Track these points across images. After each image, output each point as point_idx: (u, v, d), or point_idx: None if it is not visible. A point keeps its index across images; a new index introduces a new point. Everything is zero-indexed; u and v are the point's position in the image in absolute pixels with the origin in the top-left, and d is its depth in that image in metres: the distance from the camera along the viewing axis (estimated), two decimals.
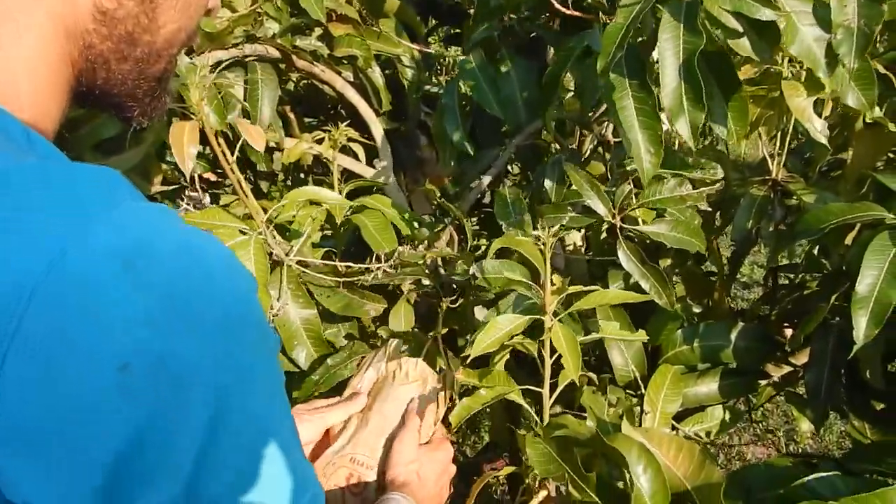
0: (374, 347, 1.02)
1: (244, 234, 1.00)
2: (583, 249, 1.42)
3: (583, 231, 1.49)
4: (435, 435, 0.84)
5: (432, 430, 0.84)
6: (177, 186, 1.20)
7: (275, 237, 1.04)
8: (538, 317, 0.85)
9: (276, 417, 0.44)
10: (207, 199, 1.10)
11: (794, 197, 1.19)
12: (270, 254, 1.05)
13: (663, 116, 0.84)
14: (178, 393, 0.37)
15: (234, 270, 0.42)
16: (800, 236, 0.94)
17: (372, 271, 1.00)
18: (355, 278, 1.03)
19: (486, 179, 1.13)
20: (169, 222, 0.41)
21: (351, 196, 1.26)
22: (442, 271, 1.04)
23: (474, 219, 1.53)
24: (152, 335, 0.36)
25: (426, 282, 1.03)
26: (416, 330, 1.05)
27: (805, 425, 1.56)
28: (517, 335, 0.84)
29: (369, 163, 1.48)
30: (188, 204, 1.09)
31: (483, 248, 1.10)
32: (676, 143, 1.51)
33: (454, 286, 1.03)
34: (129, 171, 1.06)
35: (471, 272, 0.91)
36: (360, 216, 1.19)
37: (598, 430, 0.77)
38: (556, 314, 0.85)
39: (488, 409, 1.72)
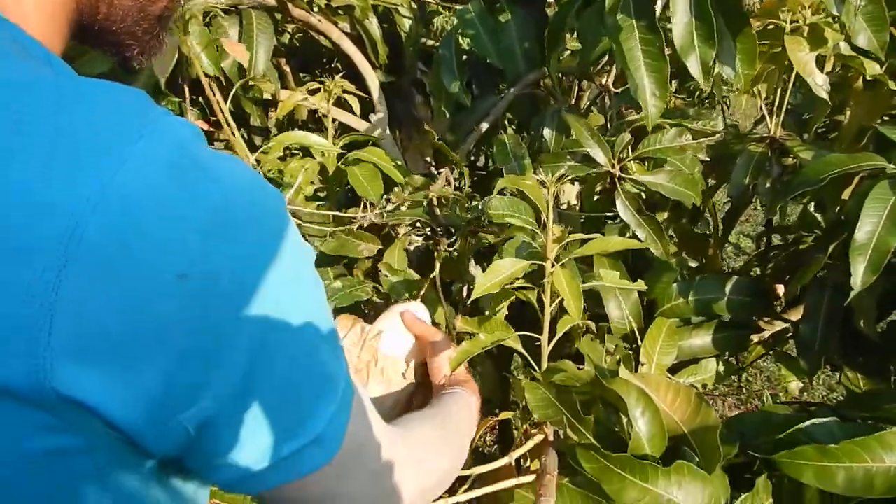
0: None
1: None
2: (577, 208, 1.43)
3: (577, 189, 1.49)
4: None
5: None
6: None
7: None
8: (539, 262, 0.85)
9: (319, 314, 0.45)
10: None
11: (791, 156, 1.19)
12: None
13: None
14: (232, 297, 0.39)
15: (266, 187, 0.43)
16: (799, 187, 0.94)
17: (365, 216, 1.00)
18: (348, 225, 1.03)
19: (484, 127, 1.13)
20: (201, 137, 0.41)
21: (345, 149, 1.25)
22: (438, 213, 1.04)
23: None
24: (205, 246, 0.37)
25: (421, 225, 1.02)
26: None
27: (793, 384, 1.58)
28: (518, 279, 0.84)
29: (364, 117, 1.46)
30: None
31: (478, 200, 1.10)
32: (673, 101, 1.51)
33: (451, 230, 1.03)
34: None
35: (479, 207, 0.91)
36: (351, 167, 1.19)
37: (598, 375, 0.77)
38: (557, 260, 0.85)
39: (479, 368, 1.73)
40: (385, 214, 1.00)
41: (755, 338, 1.22)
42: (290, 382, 0.43)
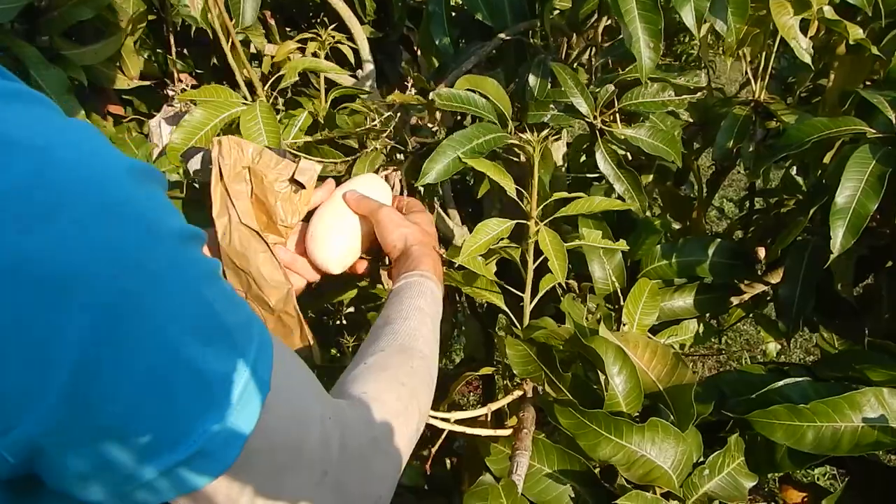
0: None
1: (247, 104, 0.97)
2: (563, 169, 1.43)
3: (564, 150, 1.49)
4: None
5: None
6: (156, 81, 1.17)
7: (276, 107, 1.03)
8: (523, 221, 0.85)
9: (191, 308, 0.40)
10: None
11: (775, 120, 1.20)
12: None
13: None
14: (44, 294, 0.34)
15: (106, 159, 0.38)
16: (782, 150, 0.94)
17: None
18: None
19: (468, 66, 1.12)
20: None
21: (336, 103, 1.25)
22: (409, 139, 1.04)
23: None
24: (7, 230, 0.33)
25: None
26: None
27: (772, 346, 1.61)
28: (504, 239, 0.84)
29: (353, 72, 1.45)
30: (183, 88, 1.06)
31: None
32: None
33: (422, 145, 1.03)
34: (105, 62, 1.03)
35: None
36: (341, 114, 1.19)
37: (577, 332, 0.78)
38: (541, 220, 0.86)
39: (464, 328, 1.74)
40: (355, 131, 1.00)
41: (735, 300, 1.24)
42: (140, 393, 0.37)
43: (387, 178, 0.98)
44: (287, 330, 0.81)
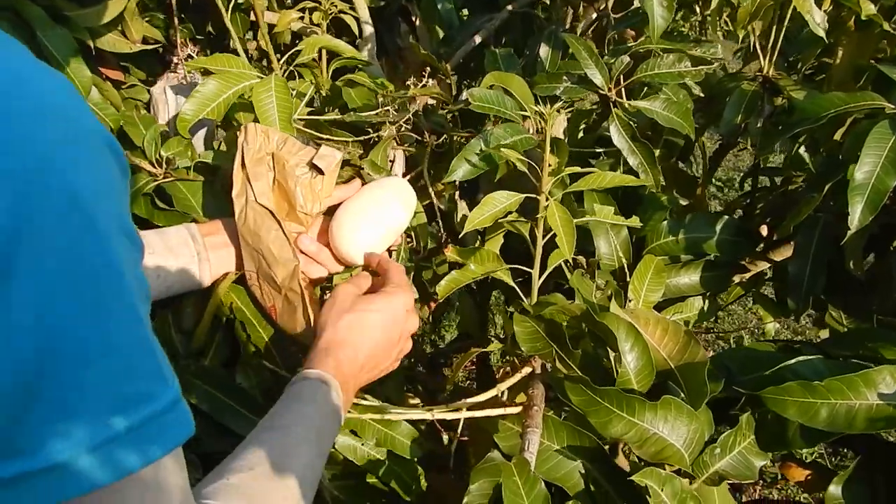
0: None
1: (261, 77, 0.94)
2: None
3: (565, 124, 1.47)
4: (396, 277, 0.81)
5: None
6: (158, 45, 1.13)
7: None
8: (534, 195, 0.83)
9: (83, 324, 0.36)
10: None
11: (782, 96, 1.18)
12: None
13: None
14: None
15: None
16: (795, 126, 0.93)
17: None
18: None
19: (476, 40, 1.10)
20: None
21: (336, 74, 1.22)
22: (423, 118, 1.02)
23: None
24: None
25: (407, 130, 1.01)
26: None
27: (770, 326, 1.61)
28: (512, 213, 0.82)
29: (354, 41, 1.42)
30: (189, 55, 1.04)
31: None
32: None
33: (437, 135, 1.01)
34: (107, 26, 0.99)
35: (462, 97, 0.89)
36: (346, 88, 1.16)
37: (589, 308, 0.77)
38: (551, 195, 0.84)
39: (457, 303, 1.73)
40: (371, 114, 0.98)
41: (737, 278, 1.23)
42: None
43: (392, 155, 0.97)
44: (292, 307, 0.80)
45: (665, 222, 1.11)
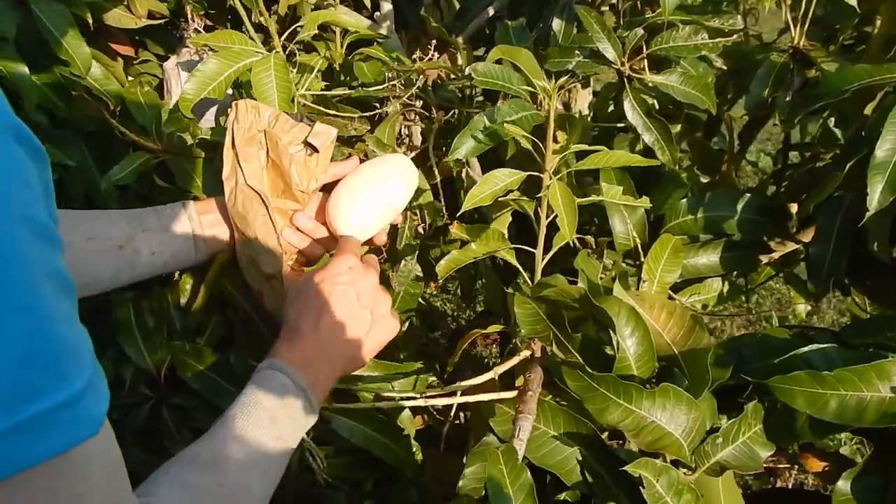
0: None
1: (261, 54, 0.93)
2: (589, 119, 1.37)
3: (590, 98, 1.43)
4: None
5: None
6: (163, 20, 1.12)
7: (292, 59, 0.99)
8: (538, 174, 0.81)
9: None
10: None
11: (815, 68, 1.12)
12: None
13: None
14: None
15: None
16: (819, 99, 0.88)
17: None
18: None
19: (490, 12, 1.07)
20: None
21: (351, 48, 1.20)
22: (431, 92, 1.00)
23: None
24: None
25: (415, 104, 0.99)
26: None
27: (801, 307, 1.55)
28: (513, 191, 0.80)
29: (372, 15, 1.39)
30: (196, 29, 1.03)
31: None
32: None
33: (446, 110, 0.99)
34: (111, 1, 0.99)
35: (465, 72, 0.87)
36: (359, 63, 1.15)
37: (588, 291, 0.74)
38: (556, 173, 0.81)
39: (483, 280, 1.71)
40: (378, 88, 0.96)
41: (764, 258, 1.18)
42: None
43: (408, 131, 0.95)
44: (276, 295, 0.80)
45: (684, 200, 1.07)
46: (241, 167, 0.78)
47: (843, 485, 0.77)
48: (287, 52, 0.99)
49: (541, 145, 0.79)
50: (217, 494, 0.58)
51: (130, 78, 1.20)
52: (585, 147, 0.80)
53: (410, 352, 1.08)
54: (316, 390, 0.68)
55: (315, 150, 0.80)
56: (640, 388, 0.70)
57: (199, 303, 0.80)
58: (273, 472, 0.64)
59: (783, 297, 2.79)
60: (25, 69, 0.82)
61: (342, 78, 1.19)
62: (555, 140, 0.82)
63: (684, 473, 0.73)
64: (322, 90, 1.17)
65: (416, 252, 0.96)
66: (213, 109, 1.08)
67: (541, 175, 0.80)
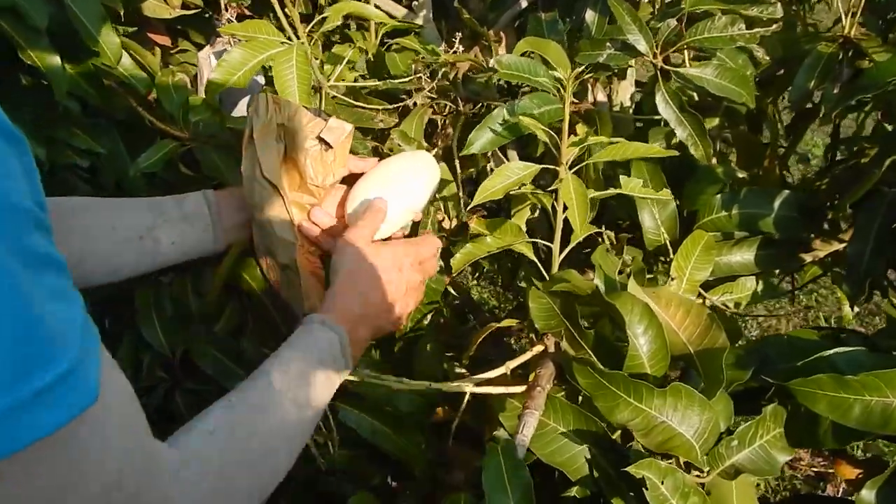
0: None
1: (286, 45, 0.94)
2: (631, 110, 1.34)
3: (632, 89, 1.39)
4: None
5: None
6: (198, 11, 1.15)
7: (317, 57, 0.99)
8: (553, 167, 0.79)
9: None
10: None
11: (868, 58, 1.07)
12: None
13: None
14: None
15: None
16: (861, 91, 0.84)
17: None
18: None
19: (523, 4, 1.05)
20: None
21: (387, 37, 1.21)
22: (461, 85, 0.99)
23: None
24: None
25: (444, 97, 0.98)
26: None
27: (847, 308, 1.49)
28: (527, 184, 0.79)
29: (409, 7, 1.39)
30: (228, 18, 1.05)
31: None
32: None
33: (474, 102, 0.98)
34: None
35: (490, 64, 0.86)
36: (392, 54, 1.15)
37: (599, 287, 0.73)
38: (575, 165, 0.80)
39: (523, 273, 1.70)
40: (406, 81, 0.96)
41: (808, 257, 1.14)
42: None
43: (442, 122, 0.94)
44: (293, 285, 0.80)
45: (719, 196, 1.04)
46: (258, 159, 0.79)
47: (868, 494, 0.73)
48: (320, 43, 1.00)
49: (557, 138, 0.78)
50: (248, 443, 0.59)
51: (171, 66, 1.23)
52: (603, 139, 0.78)
53: (436, 344, 1.07)
54: (354, 348, 0.71)
55: (329, 145, 0.80)
56: (651, 388, 0.69)
57: (213, 291, 0.81)
58: (305, 427, 0.66)
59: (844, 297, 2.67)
60: (58, 59, 0.85)
61: (375, 70, 1.20)
62: (575, 133, 0.81)
63: (697, 476, 0.71)
64: (356, 81, 1.17)
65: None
66: (245, 99, 1.09)
67: (557, 168, 0.79)
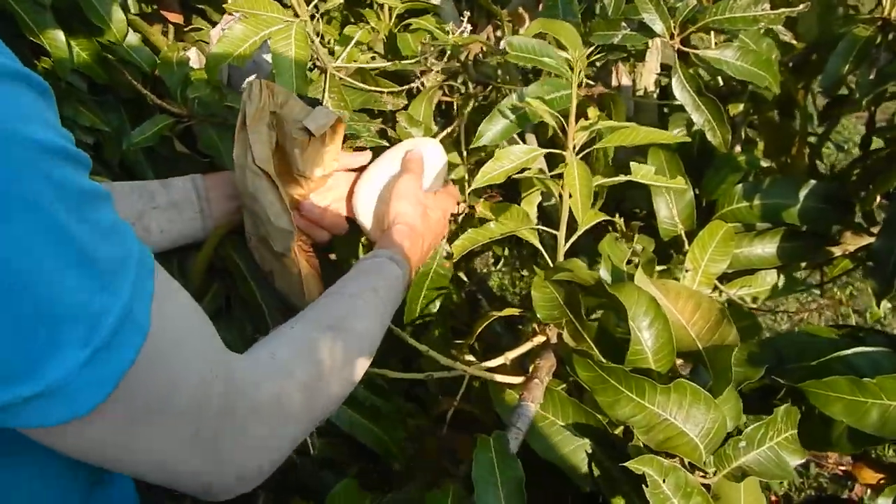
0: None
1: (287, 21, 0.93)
2: (654, 95, 1.29)
3: (656, 74, 1.35)
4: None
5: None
6: None
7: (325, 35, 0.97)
8: (560, 151, 0.76)
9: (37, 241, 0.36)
10: None
11: None
12: (314, 66, 0.99)
13: None
14: None
15: None
16: (890, 78, 0.79)
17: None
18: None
19: None
20: None
21: (402, 17, 1.18)
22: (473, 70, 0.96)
23: None
24: None
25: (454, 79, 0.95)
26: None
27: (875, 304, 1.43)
28: (531, 169, 0.76)
29: None
30: None
31: None
32: None
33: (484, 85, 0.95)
34: None
35: (501, 45, 0.83)
36: (404, 34, 1.12)
37: (603, 278, 0.69)
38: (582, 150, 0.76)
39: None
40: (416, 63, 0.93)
41: (838, 250, 1.09)
42: None
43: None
44: (289, 274, 0.79)
45: (740, 185, 1.00)
46: (250, 147, 0.77)
47: (885, 502, 0.70)
48: (325, 21, 0.97)
49: (565, 122, 0.75)
50: (332, 350, 0.60)
51: (180, 43, 1.21)
52: (612, 123, 0.75)
53: (444, 330, 1.05)
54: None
55: (310, 134, 0.78)
56: (654, 384, 0.65)
57: (196, 275, 0.80)
58: (370, 358, 0.68)
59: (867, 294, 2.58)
60: (62, 36, 0.84)
61: (389, 51, 1.17)
62: (585, 118, 0.77)
63: (701, 477, 0.67)
64: (366, 62, 1.15)
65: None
66: (251, 78, 1.07)
67: (562, 153, 0.75)
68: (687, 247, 0.93)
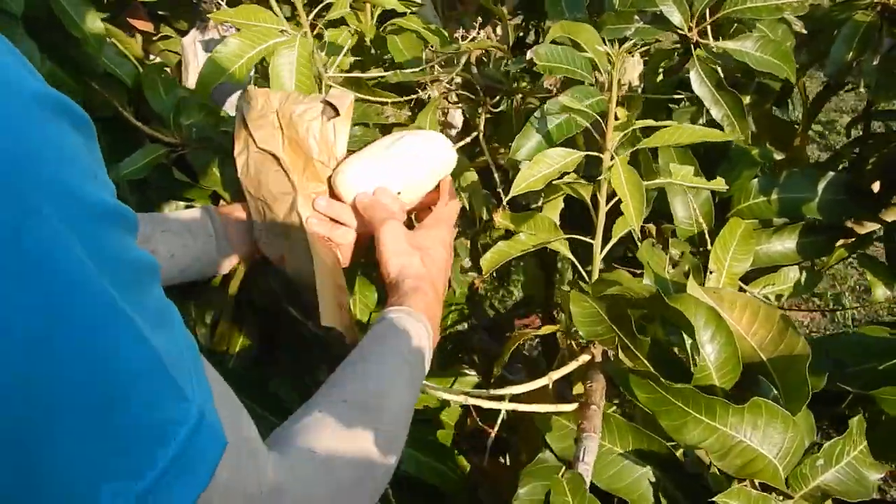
0: None
1: (287, 34, 0.84)
2: (639, 90, 1.25)
3: (640, 68, 1.31)
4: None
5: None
6: None
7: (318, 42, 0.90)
8: (597, 154, 0.70)
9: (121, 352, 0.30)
10: None
11: None
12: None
13: None
14: None
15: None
16: None
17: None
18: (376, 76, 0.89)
19: None
20: None
21: (383, 19, 1.11)
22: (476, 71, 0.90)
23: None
24: None
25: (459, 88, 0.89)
26: None
27: (880, 291, 1.42)
28: (568, 173, 0.70)
29: None
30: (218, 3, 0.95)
31: None
32: None
33: (494, 90, 0.89)
34: None
35: (527, 56, 0.77)
36: (391, 36, 1.05)
37: (658, 290, 0.64)
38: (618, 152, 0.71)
39: (521, 263, 1.61)
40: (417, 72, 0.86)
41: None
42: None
43: (448, 119, 0.86)
44: (298, 249, 0.73)
45: (755, 180, 0.96)
46: (252, 138, 0.73)
47: None
48: (315, 32, 0.89)
49: (601, 122, 0.68)
50: (370, 437, 0.53)
51: (152, 56, 1.11)
52: (652, 122, 0.69)
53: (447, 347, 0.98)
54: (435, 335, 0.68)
55: (337, 112, 0.73)
56: (726, 404, 0.60)
57: (227, 309, 0.72)
58: (407, 427, 0.60)
59: (858, 285, 2.59)
60: (35, 48, 0.74)
61: (374, 53, 1.10)
62: (615, 117, 0.72)
63: (780, 500, 0.62)
64: (351, 67, 1.07)
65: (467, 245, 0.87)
66: (237, 95, 0.99)
67: (600, 155, 0.69)
68: (709, 246, 0.89)
